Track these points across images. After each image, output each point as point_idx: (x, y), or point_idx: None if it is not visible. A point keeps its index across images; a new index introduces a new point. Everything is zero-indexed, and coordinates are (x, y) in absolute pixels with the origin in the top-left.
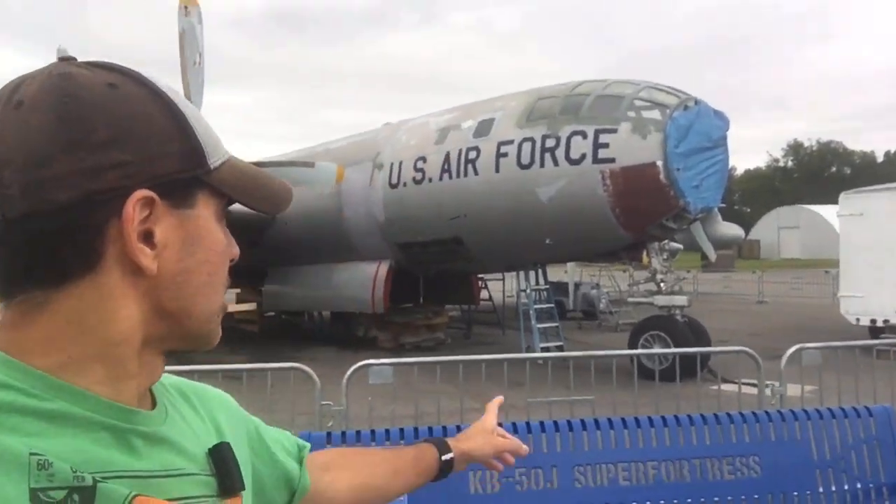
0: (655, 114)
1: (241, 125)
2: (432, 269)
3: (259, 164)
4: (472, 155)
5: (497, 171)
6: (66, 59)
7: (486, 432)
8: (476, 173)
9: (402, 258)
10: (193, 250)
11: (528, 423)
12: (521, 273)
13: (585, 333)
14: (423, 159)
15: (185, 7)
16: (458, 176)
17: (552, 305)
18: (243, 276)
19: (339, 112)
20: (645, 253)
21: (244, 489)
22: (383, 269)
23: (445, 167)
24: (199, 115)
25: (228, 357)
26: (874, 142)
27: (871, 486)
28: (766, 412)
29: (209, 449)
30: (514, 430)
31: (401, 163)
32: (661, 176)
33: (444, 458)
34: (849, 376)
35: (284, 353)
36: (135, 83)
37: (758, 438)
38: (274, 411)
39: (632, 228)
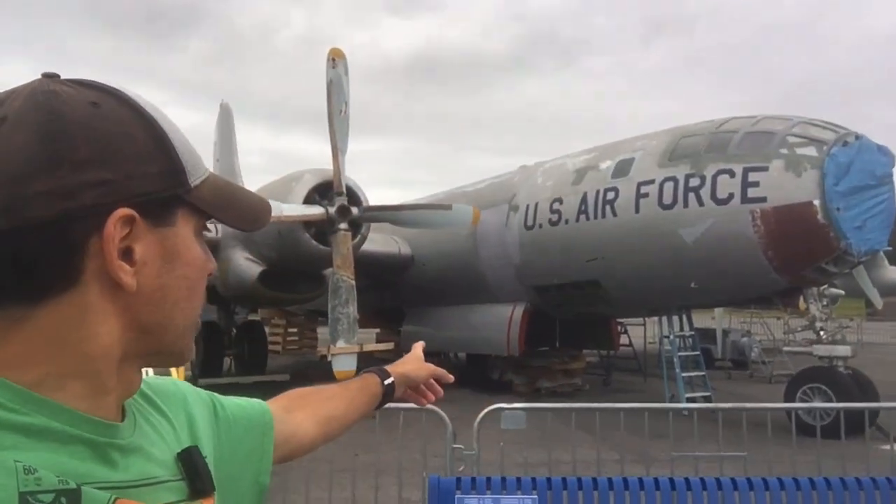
0: (811, 150)
1: (388, 171)
2: (569, 312)
3: (397, 207)
4: (611, 196)
5: (637, 211)
6: (49, 76)
7: (418, 359)
8: (615, 214)
9: (537, 300)
10: (172, 266)
11: (671, 479)
12: (664, 318)
13: (735, 384)
14: (560, 200)
15: (333, 59)
16: (595, 217)
17: (698, 353)
18: (382, 316)
19: (478, 157)
20: (802, 299)
21: (214, 490)
22: (518, 311)
23: (582, 208)
24: (180, 133)
25: None
26: None
27: None
28: None
29: (178, 453)
30: (657, 485)
31: (536, 204)
32: (819, 216)
33: (385, 382)
34: None
35: None
36: (118, 102)
37: None
38: (406, 450)
39: (786, 272)
